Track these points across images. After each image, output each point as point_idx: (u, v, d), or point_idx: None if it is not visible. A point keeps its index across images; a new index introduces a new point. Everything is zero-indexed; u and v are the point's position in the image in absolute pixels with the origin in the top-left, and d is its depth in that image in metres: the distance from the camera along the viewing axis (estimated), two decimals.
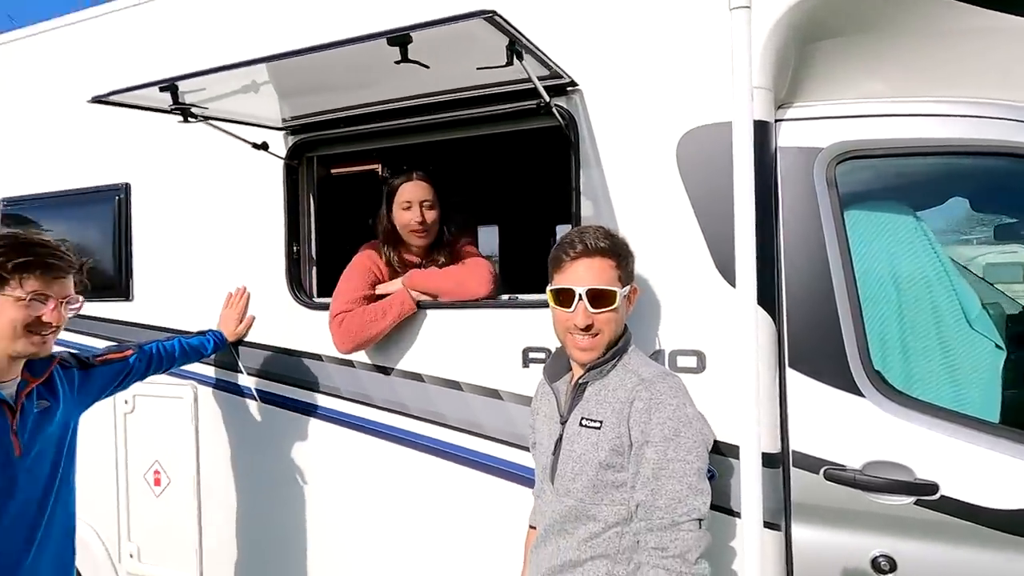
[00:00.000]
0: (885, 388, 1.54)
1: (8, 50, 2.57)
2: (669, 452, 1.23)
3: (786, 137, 1.62)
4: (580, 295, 1.28)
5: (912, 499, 1.46)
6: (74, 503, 1.54)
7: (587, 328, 1.29)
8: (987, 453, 1.44)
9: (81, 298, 1.42)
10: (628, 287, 1.36)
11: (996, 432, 1.46)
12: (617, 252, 1.34)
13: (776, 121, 1.61)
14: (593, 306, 1.29)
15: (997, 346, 1.64)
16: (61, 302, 1.34)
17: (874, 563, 1.49)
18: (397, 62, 1.10)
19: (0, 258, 1.26)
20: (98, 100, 1.45)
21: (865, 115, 1.57)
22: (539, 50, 1.27)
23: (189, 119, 1.56)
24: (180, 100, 1.43)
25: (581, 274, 1.30)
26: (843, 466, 1.51)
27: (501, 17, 1.05)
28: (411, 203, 1.85)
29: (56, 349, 1.48)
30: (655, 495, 1.22)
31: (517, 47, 1.16)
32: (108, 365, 1.69)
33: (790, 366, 1.58)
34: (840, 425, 1.53)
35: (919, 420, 1.49)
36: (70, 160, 2.40)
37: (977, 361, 1.64)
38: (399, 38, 1.06)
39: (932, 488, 1.45)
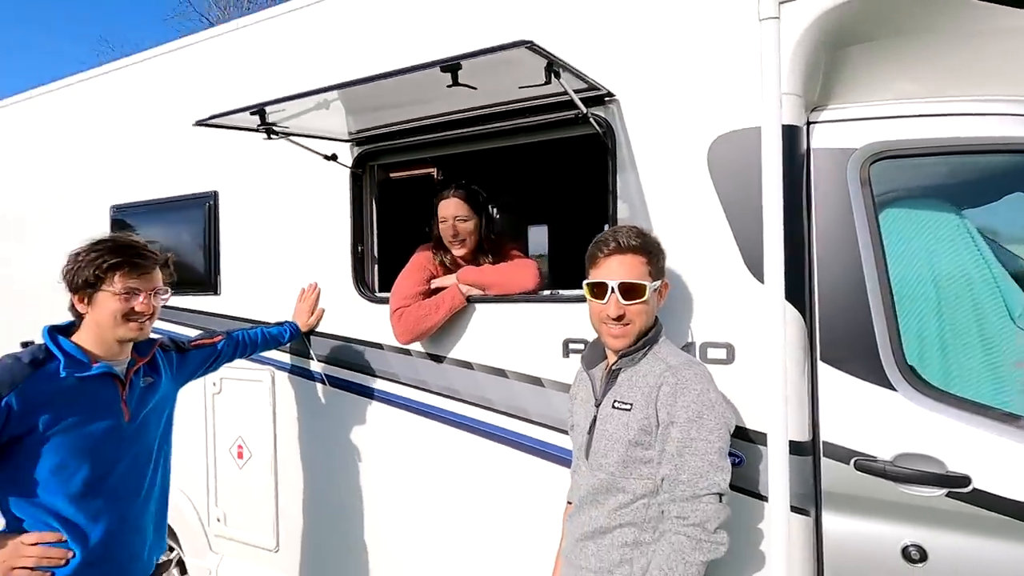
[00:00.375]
0: (918, 382, 1.56)
1: (115, 77, 2.94)
2: (692, 432, 1.34)
3: (820, 139, 1.67)
4: (613, 288, 1.40)
5: (944, 491, 1.49)
6: (170, 469, 1.78)
7: (619, 318, 1.41)
8: (1022, 447, 1.45)
9: (169, 289, 1.63)
10: (658, 282, 1.46)
11: None
12: (648, 249, 1.44)
13: (810, 123, 1.66)
14: (624, 298, 1.40)
15: None
16: (151, 293, 1.55)
17: (904, 552, 1.52)
18: (449, 86, 1.26)
19: (98, 261, 1.48)
20: (201, 123, 1.71)
21: (898, 116, 1.60)
22: (574, 68, 1.40)
23: (272, 136, 1.79)
24: (266, 121, 1.66)
25: (614, 269, 1.42)
26: (874, 457, 1.55)
27: (538, 45, 1.19)
28: (446, 219, 2.04)
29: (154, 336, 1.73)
30: (679, 470, 1.33)
31: (555, 67, 1.30)
32: (200, 349, 1.94)
33: (822, 360, 1.63)
34: (871, 417, 1.56)
35: (951, 414, 1.51)
36: (167, 171, 2.72)
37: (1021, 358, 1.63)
38: (450, 66, 1.22)
39: (964, 481, 1.47)
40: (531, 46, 1.17)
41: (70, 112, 3.11)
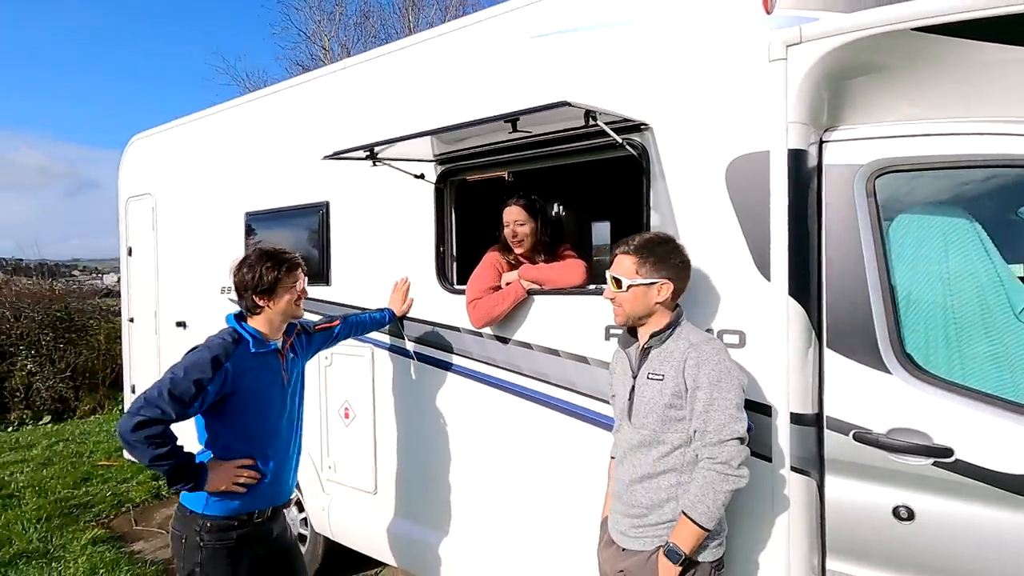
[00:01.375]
0: (911, 367, 1.80)
1: (250, 107, 3.61)
2: (714, 393, 1.67)
3: (831, 156, 1.92)
4: (608, 278, 1.81)
5: (930, 460, 1.72)
6: (303, 425, 2.28)
7: (612, 300, 1.81)
8: (1000, 424, 1.66)
9: (306, 278, 2.15)
10: (651, 280, 1.76)
11: (1008, 407, 1.67)
12: (639, 252, 1.78)
13: (823, 142, 1.93)
14: (613, 287, 1.79)
15: None
16: (303, 280, 2.09)
17: (895, 511, 1.77)
18: (510, 132, 1.68)
19: (275, 269, 1.99)
20: (327, 157, 2.23)
21: (899, 135, 1.83)
22: (606, 111, 1.77)
23: (376, 163, 2.29)
24: (372, 153, 2.15)
25: (613, 265, 1.81)
26: (870, 430, 1.81)
27: (573, 103, 1.57)
28: (508, 223, 2.47)
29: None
30: (706, 423, 1.67)
31: (591, 114, 1.68)
32: (322, 332, 2.48)
33: (828, 347, 1.90)
34: (869, 396, 1.82)
35: (938, 394, 1.74)
36: (290, 184, 3.34)
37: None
38: (511, 120, 1.63)
39: (948, 452, 1.71)
40: (569, 104, 1.56)
41: (217, 133, 3.83)
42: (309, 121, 3.21)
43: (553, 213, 4.51)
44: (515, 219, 2.48)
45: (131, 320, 4.67)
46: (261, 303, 2.01)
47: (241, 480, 1.95)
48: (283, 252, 2.07)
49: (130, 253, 4.65)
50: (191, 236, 4.02)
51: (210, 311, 3.82)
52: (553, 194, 4.37)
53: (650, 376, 1.79)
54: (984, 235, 1.85)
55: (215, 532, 1.96)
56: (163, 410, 1.80)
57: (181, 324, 4.08)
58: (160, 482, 5.08)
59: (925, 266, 1.89)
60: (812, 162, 1.88)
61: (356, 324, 2.62)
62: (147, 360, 4.43)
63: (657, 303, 1.78)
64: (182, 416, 1.85)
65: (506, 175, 3.31)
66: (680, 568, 1.67)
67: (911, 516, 1.76)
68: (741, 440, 1.66)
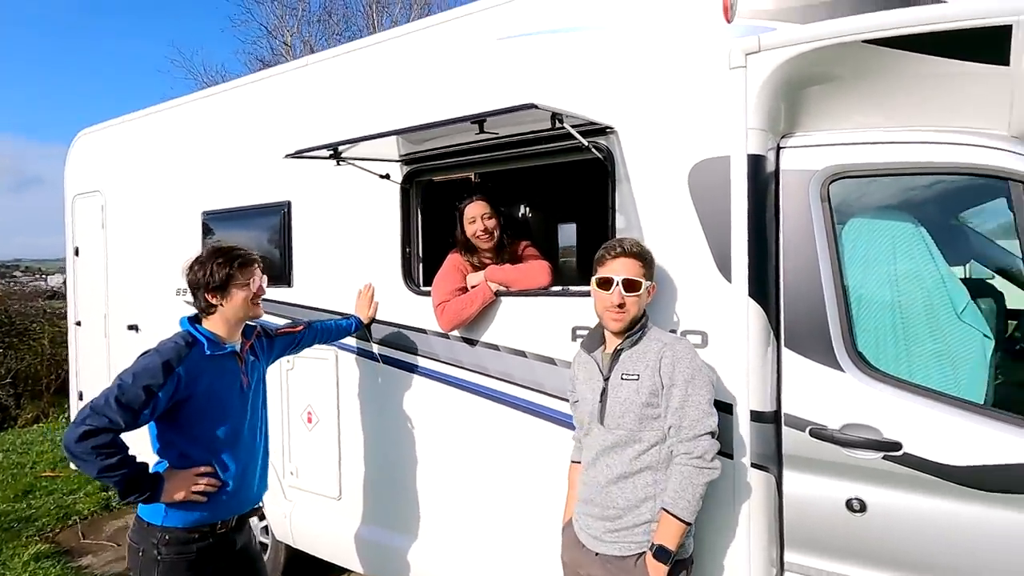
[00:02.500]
0: (864, 365, 1.87)
1: (207, 102, 3.49)
2: (689, 390, 1.72)
3: (788, 161, 1.99)
4: (617, 282, 1.80)
5: (880, 454, 1.81)
6: (268, 430, 2.20)
7: (620, 306, 1.80)
8: (947, 419, 1.75)
9: (266, 277, 2.07)
10: (649, 283, 1.84)
11: (956, 403, 1.76)
12: (643, 256, 1.83)
13: (780, 148, 1.99)
14: (626, 290, 1.79)
15: (985, 335, 1.92)
16: (259, 279, 1.99)
17: (848, 504, 1.85)
18: (477, 132, 1.67)
19: (225, 265, 1.91)
20: (288, 156, 2.18)
21: (851, 143, 1.91)
22: (572, 114, 1.79)
23: (340, 162, 2.25)
24: (337, 152, 2.11)
25: (618, 268, 1.81)
26: (825, 426, 1.88)
27: (539, 105, 1.58)
28: (475, 218, 2.45)
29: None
30: (681, 419, 1.72)
31: (558, 116, 1.70)
32: (285, 336, 2.40)
33: (786, 347, 1.97)
34: (824, 394, 1.89)
35: (887, 391, 1.82)
36: (250, 183, 3.25)
37: (964, 347, 1.92)
38: (478, 121, 1.63)
39: (897, 446, 1.79)
40: (535, 106, 1.57)
41: (173, 129, 3.68)
42: (271, 119, 3.13)
43: (520, 215, 4.54)
44: (481, 213, 2.45)
45: (78, 323, 4.45)
46: (214, 302, 1.94)
47: (200, 488, 1.87)
48: (236, 248, 1.99)
49: (77, 253, 4.43)
50: (144, 236, 3.86)
51: (164, 314, 3.67)
52: (519, 196, 4.39)
53: (624, 377, 1.81)
54: (929, 239, 1.95)
55: (174, 545, 1.87)
56: (111, 419, 1.71)
57: (133, 327, 3.92)
58: (110, 492, 4.85)
59: (875, 268, 1.98)
60: (770, 167, 1.94)
61: (321, 331, 2.57)
62: (96, 365, 4.23)
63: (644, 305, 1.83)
64: (132, 424, 1.76)
65: (472, 176, 3.32)
66: (669, 567, 1.69)
67: (863, 508, 1.84)
68: (713, 434, 1.71)
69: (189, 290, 1.98)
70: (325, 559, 3.02)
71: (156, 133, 3.79)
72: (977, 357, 1.89)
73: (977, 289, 2.14)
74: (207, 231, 3.48)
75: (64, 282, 5.19)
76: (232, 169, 3.34)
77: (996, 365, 1.91)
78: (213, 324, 1.97)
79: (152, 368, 1.79)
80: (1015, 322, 2.37)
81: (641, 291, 1.80)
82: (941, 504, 1.75)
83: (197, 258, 1.99)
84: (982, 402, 1.81)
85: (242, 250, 2.00)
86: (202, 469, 1.89)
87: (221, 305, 1.94)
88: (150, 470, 1.84)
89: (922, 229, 1.95)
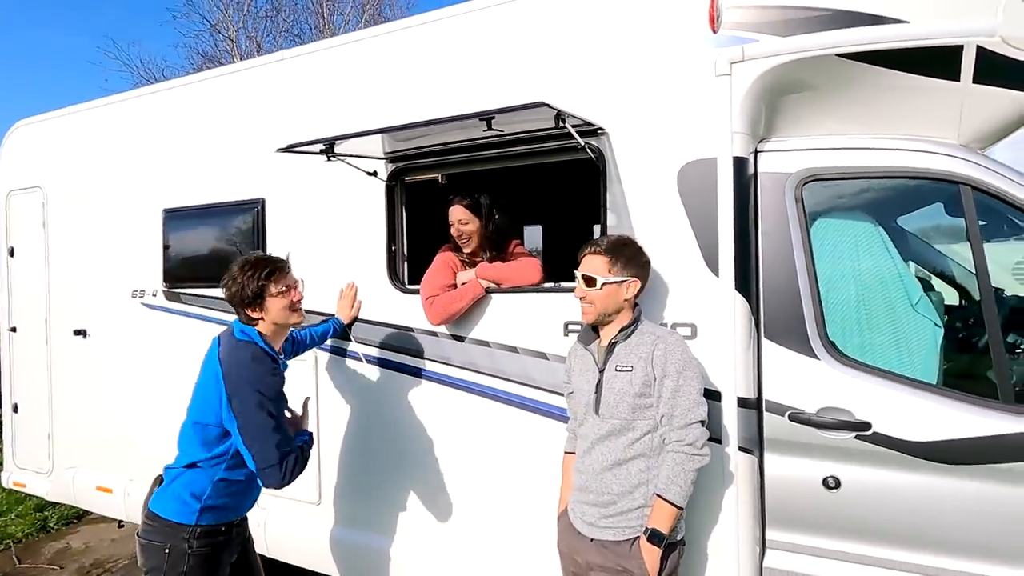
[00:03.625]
0: (836, 353, 2.03)
1: (172, 93, 3.33)
2: (680, 381, 1.80)
3: (765, 165, 2.14)
4: (579, 277, 1.89)
5: (852, 434, 1.96)
6: None
7: (583, 299, 1.89)
8: (909, 400, 1.92)
9: (303, 282, 2.11)
10: (620, 278, 1.87)
11: (915, 385, 1.95)
12: (611, 252, 1.88)
13: (757, 152, 2.14)
14: (585, 285, 1.87)
15: (936, 324, 2.12)
16: (295, 285, 2.01)
17: (824, 482, 1.99)
18: (484, 130, 1.71)
19: (255, 276, 1.90)
20: (280, 150, 2.13)
21: (825, 148, 2.08)
22: (574, 115, 1.86)
23: (331, 158, 2.22)
24: (330, 148, 2.08)
25: (584, 264, 1.90)
26: (802, 410, 2.03)
27: (550, 104, 1.64)
28: (452, 223, 2.51)
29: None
30: (673, 408, 1.79)
31: (562, 116, 1.76)
32: None
33: (766, 337, 2.10)
34: (801, 380, 2.04)
35: (857, 376, 1.98)
36: (218, 180, 3.12)
37: (919, 335, 2.11)
38: (487, 118, 1.67)
39: (866, 426, 1.95)
40: (547, 105, 1.63)
41: (130, 122, 3.48)
42: (244, 114, 3.02)
43: (490, 209, 4.56)
44: (458, 218, 2.51)
45: (12, 330, 4.11)
46: (255, 316, 1.94)
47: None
48: (265, 259, 2.00)
49: (12, 254, 4.09)
50: (95, 235, 3.62)
51: (118, 317, 3.47)
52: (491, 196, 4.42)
53: (618, 368, 1.87)
54: (886, 237, 2.14)
55: (203, 538, 1.94)
56: (282, 443, 1.88)
57: (81, 332, 3.66)
58: (47, 512, 4.49)
59: (841, 263, 2.15)
60: (751, 169, 2.08)
61: (300, 340, 2.53)
62: (34, 373, 3.92)
63: (625, 300, 1.88)
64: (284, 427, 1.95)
65: (439, 178, 3.33)
66: (662, 550, 1.76)
67: (838, 485, 1.99)
68: (703, 423, 1.80)
69: (232, 307, 1.99)
70: (301, 567, 2.93)
71: (109, 126, 3.57)
72: (930, 343, 2.09)
73: (923, 284, 2.37)
74: (168, 230, 3.31)
75: None
76: (199, 165, 3.20)
77: (943, 350, 2.13)
78: (266, 337, 1.98)
79: (266, 380, 1.90)
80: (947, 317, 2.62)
81: (598, 286, 1.85)
82: (906, 477, 1.92)
83: (228, 273, 1.97)
84: (935, 383, 2.00)
85: (272, 259, 2.01)
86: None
87: (263, 318, 1.94)
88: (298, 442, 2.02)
89: (880, 228, 2.15)
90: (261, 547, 2.98)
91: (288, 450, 1.89)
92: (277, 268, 1.96)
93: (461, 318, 2.44)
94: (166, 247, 3.30)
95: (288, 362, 2.81)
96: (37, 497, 4.24)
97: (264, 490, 2.93)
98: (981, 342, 2.04)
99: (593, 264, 1.87)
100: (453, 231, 2.52)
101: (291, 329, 2.49)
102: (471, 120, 1.77)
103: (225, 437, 1.92)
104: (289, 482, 1.90)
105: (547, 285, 2.38)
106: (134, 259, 3.42)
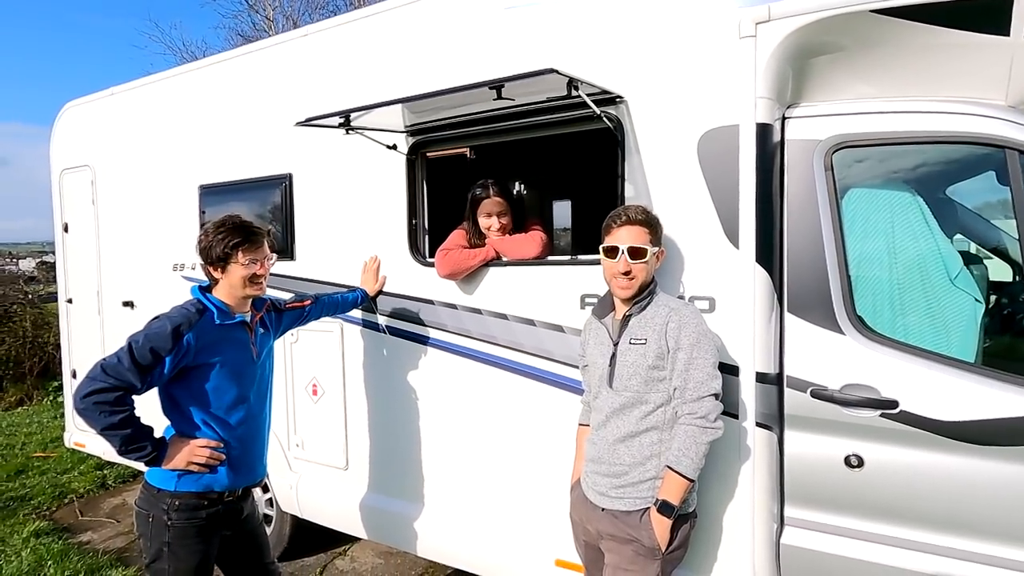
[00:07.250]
0: (863, 328, 1.95)
1: (204, 72, 3.43)
2: (694, 353, 1.78)
3: (793, 131, 2.04)
4: (623, 250, 1.83)
5: (878, 412, 1.90)
6: (272, 403, 2.22)
7: (626, 274, 1.84)
8: (940, 378, 1.83)
9: (275, 255, 2.09)
10: (657, 249, 1.89)
11: (948, 362, 1.85)
12: (649, 223, 1.87)
13: (785, 118, 2.04)
14: (631, 258, 1.83)
15: (976, 299, 2.00)
16: (264, 260, 2.01)
17: (846, 460, 1.94)
18: (494, 99, 1.69)
19: (224, 240, 1.90)
20: (299, 124, 2.16)
21: (855, 112, 1.96)
22: (588, 82, 1.81)
23: (349, 131, 2.24)
24: (348, 121, 2.10)
25: (623, 236, 1.84)
26: (825, 387, 1.96)
27: (559, 71, 1.60)
28: (491, 214, 2.50)
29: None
30: (686, 380, 1.77)
31: (574, 82, 1.72)
32: (293, 310, 2.40)
33: (789, 311, 2.03)
34: (825, 356, 1.96)
35: (885, 352, 1.90)
36: (249, 156, 3.21)
37: (957, 311, 2.00)
38: (497, 86, 1.64)
39: (893, 404, 1.88)
40: (556, 71, 1.59)
41: (167, 101, 3.61)
42: (271, 90, 3.08)
43: (515, 192, 4.56)
44: (498, 210, 2.51)
45: (69, 301, 4.39)
46: (215, 275, 1.96)
47: (201, 460, 1.89)
48: (242, 225, 1.96)
49: (66, 229, 4.35)
50: (138, 210, 3.80)
51: (161, 289, 3.64)
52: (515, 172, 4.40)
53: (632, 341, 1.86)
54: (925, 207, 2.02)
55: (184, 511, 1.91)
56: (118, 378, 1.76)
57: (128, 304, 3.88)
58: (105, 471, 4.84)
59: (874, 235, 2.04)
60: (777, 136, 1.99)
61: (328, 304, 2.57)
62: (89, 343, 4.19)
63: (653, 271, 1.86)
64: (139, 385, 1.79)
65: (468, 152, 3.32)
66: (672, 521, 1.76)
67: (861, 464, 1.93)
68: (716, 396, 1.77)
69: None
70: (332, 528, 3.07)
71: (150, 105, 3.71)
72: (969, 319, 1.98)
73: (966, 257, 2.23)
74: (204, 205, 3.44)
75: (36, 265, 5.06)
76: (230, 142, 3.29)
77: (985, 327, 2.01)
78: (221, 294, 1.98)
79: (162, 333, 1.82)
80: (995, 295, 2.47)
81: (648, 258, 1.83)
82: (934, 458, 1.84)
83: (205, 227, 1.99)
84: (973, 361, 1.90)
85: (249, 227, 1.98)
86: (204, 441, 1.91)
87: (220, 278, 1.96)
88: (153, 434, 1.87)
89: (918, 198, 2.02)
90: (294, 508, 3.14)
91: (106, 385, 1.74)
92: (249, 240, 1.94)
93: (480, 290, 2.46)
94: (203, 224, 3.43)
95: (315, 330, 2.93)
96: (96, 456, 4.57)
97: (294, 456, 3.09)
98: None
99: (637, 235, 1.83)
100: (489, 224, 2.50)
101: (322, 295, 2.56)
102: (482, 89, 1.75)
103: (169, 399, 1.94)
104: (81, 409, 1.74)
105: (564, 258, 2.36)
106: (174, 234, 3.57)
